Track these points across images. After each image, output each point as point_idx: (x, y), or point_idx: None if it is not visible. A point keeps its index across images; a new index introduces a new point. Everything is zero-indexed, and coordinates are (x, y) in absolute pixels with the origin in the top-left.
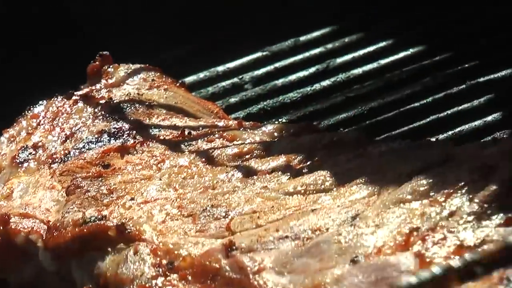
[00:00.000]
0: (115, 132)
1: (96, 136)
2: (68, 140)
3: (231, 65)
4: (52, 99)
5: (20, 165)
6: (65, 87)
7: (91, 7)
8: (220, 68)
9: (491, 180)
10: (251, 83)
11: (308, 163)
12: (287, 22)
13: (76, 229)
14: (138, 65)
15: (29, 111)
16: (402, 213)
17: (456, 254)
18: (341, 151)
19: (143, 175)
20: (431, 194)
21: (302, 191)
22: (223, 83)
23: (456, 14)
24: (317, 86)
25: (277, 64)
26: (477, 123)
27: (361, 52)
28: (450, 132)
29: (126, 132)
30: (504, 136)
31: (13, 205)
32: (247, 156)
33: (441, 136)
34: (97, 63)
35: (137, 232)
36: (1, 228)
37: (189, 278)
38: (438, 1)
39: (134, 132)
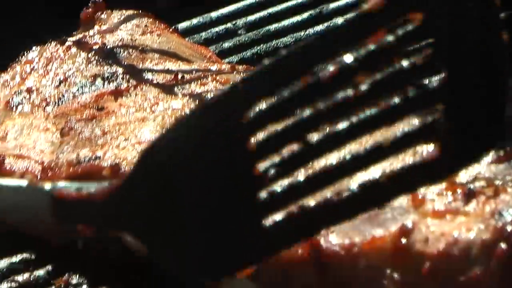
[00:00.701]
0: (109, 77)
1: (90, 80)
2: (61, 85)
3: (224, 11)
4: (46, 45)
5: (14, 109)
6: (58, 34)
7: None
8: (213, 14)
9: None
10: (244, 29)
11: None
12: None
13: (71, 169)
14: (131, 11)
15: (23, 57)
16: None
17: (448, 190)
18: None
19: (136, 117)
20: None
21: None
22: (216, 29)
23: None
24: (310, 31)
25: (271, 10)
26: None
27: None
28: None
29: (120, 76)
30: None
31: (7, 146)
32: None
33: None
34: (90, 10)
35: None
36: None
37: None
38: None
39: (128, 76)
